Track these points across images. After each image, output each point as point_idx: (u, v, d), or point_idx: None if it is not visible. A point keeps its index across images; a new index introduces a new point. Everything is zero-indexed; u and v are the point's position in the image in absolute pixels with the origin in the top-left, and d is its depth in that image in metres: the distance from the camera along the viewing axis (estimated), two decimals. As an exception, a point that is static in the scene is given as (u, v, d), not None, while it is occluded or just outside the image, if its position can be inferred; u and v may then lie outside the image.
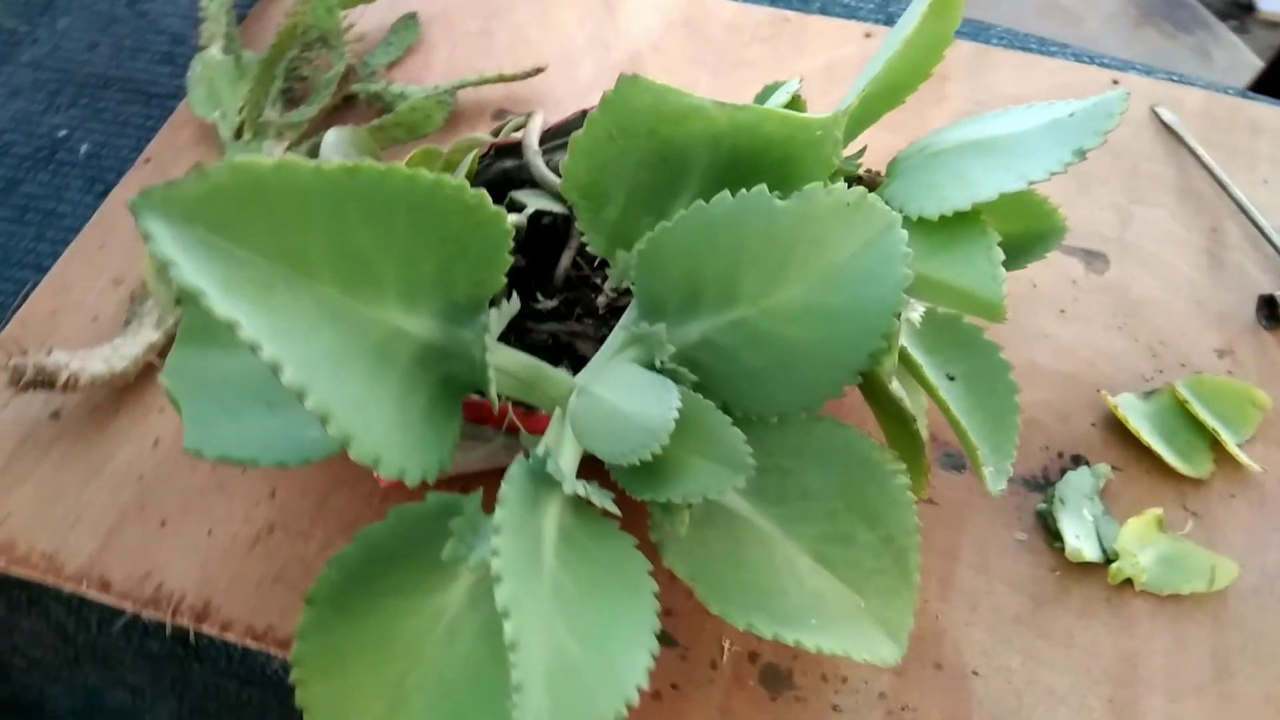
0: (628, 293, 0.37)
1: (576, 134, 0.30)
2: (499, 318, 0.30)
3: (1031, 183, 0.33)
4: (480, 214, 0.28)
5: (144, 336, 0.45)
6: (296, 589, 0.40)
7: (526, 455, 0.32)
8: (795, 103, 0.37)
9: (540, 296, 0.41)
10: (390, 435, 0.28)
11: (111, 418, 0.44)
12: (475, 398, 0.36)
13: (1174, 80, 0.59)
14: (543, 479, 0.30)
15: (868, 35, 0.61)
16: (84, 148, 0.54)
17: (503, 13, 0.61)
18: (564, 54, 0.59)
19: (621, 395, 0.30)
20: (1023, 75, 0.59)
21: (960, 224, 0.35)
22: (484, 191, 0.28)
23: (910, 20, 0.35)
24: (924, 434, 0.40)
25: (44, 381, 0.41)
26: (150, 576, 0.40)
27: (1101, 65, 0.60)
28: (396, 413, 0.28)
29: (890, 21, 0.63)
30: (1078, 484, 0.44)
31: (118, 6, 0.62)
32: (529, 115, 0.43)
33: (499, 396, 0.33)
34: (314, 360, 0.25)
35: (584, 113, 0.43)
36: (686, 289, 0.31)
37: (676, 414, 0.28)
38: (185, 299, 0.23)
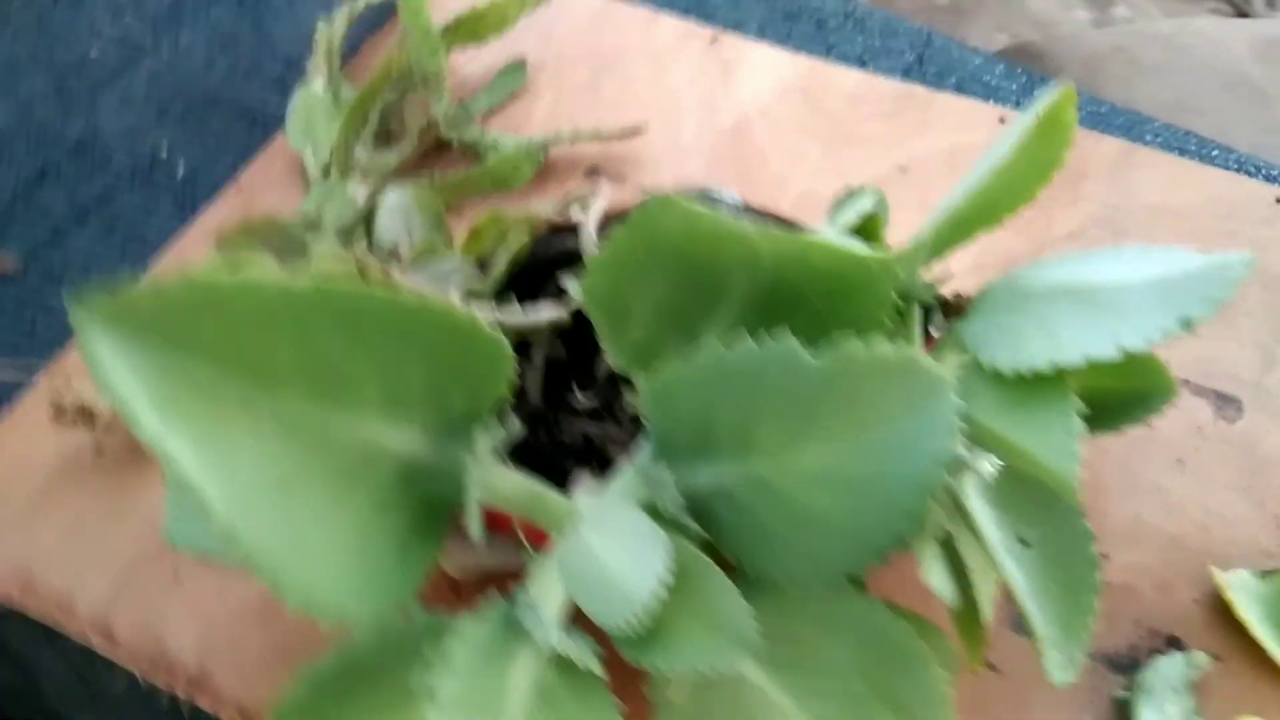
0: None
1: (596, 255, 0.28)
2: (489, 440, 0.27)
3: (1125, 350, 0.29)
4: (474, 337, 0.26)
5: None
6: (298, 667, 0.38)
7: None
8: (870, 222, 0.33)
9: (578, 392, 0.38)
10: (339, 574, 0.25)
11: (149, 460, 0.43)
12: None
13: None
14: (519, 625, 0.28)
15: (1001, 120, 0.56)
16: (181, 169, 0.55)
17: (614, 65, 0.58)
18: (669, 113, 0.56)
19: (610, 547, 0.27)
20: (1172, 182, 0.53)
21: (1038, 381, 0.30)
22: (476, 315, 0.25)
23: (1009, 144, 0.31)
24: (988, 598, 0.36)
25: (85, 419, 0.41)
26: (155, 632, 0.39)
27: (1268, 179, 0.54)
28: (357, 543, 0.26)
29: (1031, 106, 0.58)
30: (1167, 673, 0.38)
31: (241, 24, 0.62)
32: (592, 195, 0.40)
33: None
34: (258, 493, 0.23)
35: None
36: (700, 434, 0.28)
37: (662, 587, 0.25)
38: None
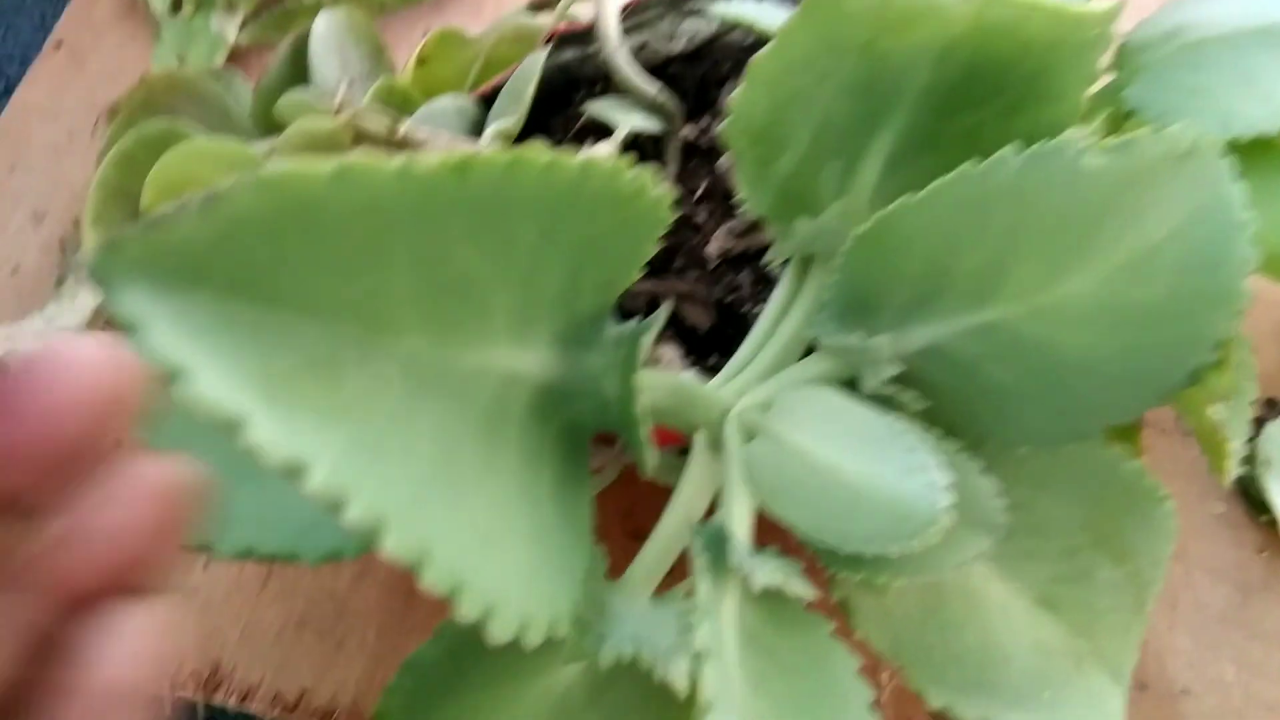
0: (757, 249, 0.27)
1: (758, 57, 0.20)
2: (645, 336, 0.20)
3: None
4: (639, 203, 0.18)
5: (84, 300, 0.33)
6: (330, 636, 0.31)
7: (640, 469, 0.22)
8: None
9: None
10: (519, 556, 0.18)
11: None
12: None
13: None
14: (716, 561, 0.21)
15: None
16: (-31, 28, 0.41)
17: None
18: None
19: (833, 449, 0.20)
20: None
21: (1253, 150, 0.25)
22: (645, 174, 0.17)
23: None
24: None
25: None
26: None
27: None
28: (526, 515, 0.18)
29: None
30: (1280, 438, 0.36)
31: None
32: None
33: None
34: (420, 485, 0.15)
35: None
36: (923, 285, 0.21)
37: (949, 496, 0.19)
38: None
